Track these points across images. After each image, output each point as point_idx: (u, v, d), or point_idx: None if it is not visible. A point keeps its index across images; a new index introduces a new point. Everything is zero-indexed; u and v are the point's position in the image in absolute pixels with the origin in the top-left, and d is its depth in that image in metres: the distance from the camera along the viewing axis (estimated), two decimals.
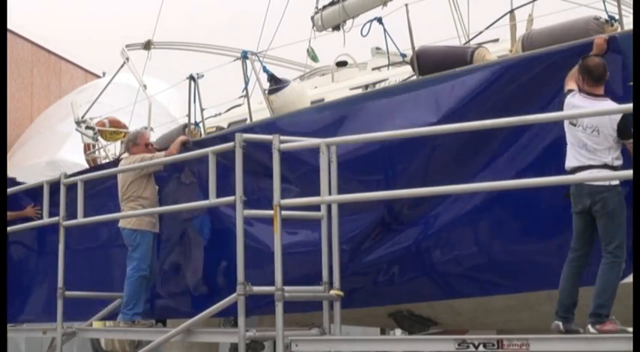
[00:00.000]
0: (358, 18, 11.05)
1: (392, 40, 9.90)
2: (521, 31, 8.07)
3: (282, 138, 7.42)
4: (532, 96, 7.01)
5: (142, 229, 9.08)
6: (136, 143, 9.44)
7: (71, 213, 9.44)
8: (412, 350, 7.36)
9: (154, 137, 11.58)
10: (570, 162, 6.51)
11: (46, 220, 9.98)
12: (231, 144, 7.94)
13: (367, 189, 7.54)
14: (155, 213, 9.23)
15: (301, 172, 7.91)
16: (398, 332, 10.07)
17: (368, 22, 9.77)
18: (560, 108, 6.63)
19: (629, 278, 6.35)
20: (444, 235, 7.39)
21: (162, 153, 9.19)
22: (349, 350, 7.42)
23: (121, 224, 9.22)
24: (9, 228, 10.62)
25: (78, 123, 12.99)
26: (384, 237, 7.71)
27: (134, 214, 9.14)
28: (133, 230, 9.07)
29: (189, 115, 10.14)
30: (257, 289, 7.56)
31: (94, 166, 11.77)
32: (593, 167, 6.38)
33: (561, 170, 6.55)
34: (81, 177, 9.65)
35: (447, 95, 7.34)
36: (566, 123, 6.57)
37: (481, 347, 6.42)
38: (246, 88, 9.59)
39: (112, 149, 13.47)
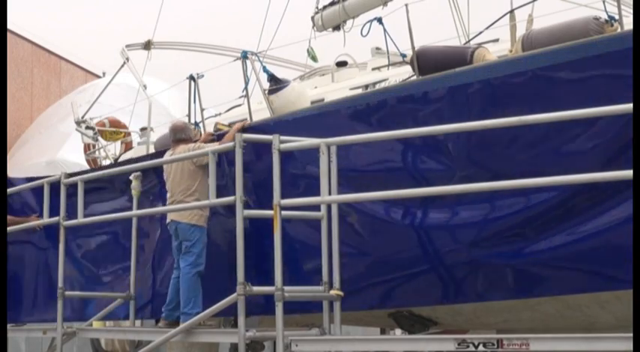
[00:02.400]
0: (358, 18, 11.05)
1: (392, 40, 9.89)
2: (521, 31, 8.06)
3: (283, 138, 7.43)
4: None
5: (200, 225, 8.66)
6: (190, 132, 9.04)
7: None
8: (412, 350, 7.36)
9: (154, 137, 11.62)
10: None
11: (46, 220, 9.99)
12: (231, 144, 7.95)
13: None
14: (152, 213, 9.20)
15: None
16: (398, 332, 10.06)
17: (368, 22, 9.76)
18: None
19: None
20: None
21: (216, 143, 8.73)
22: (349, 350, 7.41)
23: (174, 217, 8.72)
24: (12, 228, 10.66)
25: (78, 123, 13.01)
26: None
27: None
28: (191, 225, 8.65)
29: (189, 115, 10.16)
30: (257, 289, 7.57)
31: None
32: None
33: None
34: (81, 177, 9.66)
35: None
36: None
37: (481, 347, 6.42)
38: (246, 88, 9.58)
39: (112, 149, 13.49)
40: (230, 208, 8.15)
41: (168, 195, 8.91)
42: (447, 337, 7.14)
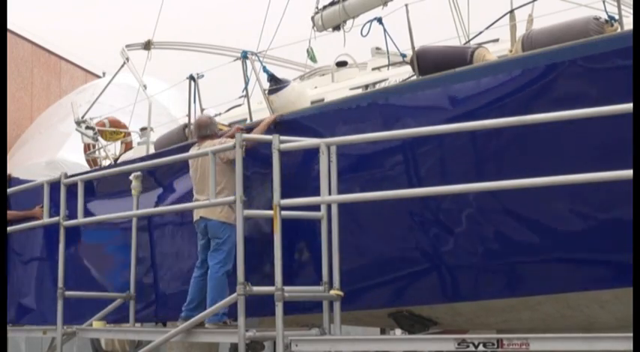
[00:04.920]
0: (358, 18, 11.04)
1: (392, 40, 9.89)
2: (521, 31, 8.06)
3: (283, 138, 7.43)
4: None
5: (231, 222, 8.22)
6: (215, 127, 8.79)
7: None
8: (412, 350, 7.36)
9: (154, 137, 11.62)
10: None
11: (46, 220, 9.99)
12: (230, 144, 7.95)
13: None
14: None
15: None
16: (398, 332, 10.06)
17: (368, 22, 9.76)
18: None
19: None
20: None
21: (231, 140, 8.28)
22: (349, 350, 7.41)
23: (204, 214, 8.41)
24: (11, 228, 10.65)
25: (78, 123, 13.01)
26: None
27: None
28: (222, 222, 8.36)
29: (189, 115, 10.15)
30: (257, 289, 7.56)
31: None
32: None
33: None
34: (81, 177, 9.66)
35: None
36: None
37: (481, 347, 6.42)
38: (246, 88, 9.59)
39: (112, 149, 13.50)
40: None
41: (194, 191, 8.67)
42: (447, 337, 7.14)
